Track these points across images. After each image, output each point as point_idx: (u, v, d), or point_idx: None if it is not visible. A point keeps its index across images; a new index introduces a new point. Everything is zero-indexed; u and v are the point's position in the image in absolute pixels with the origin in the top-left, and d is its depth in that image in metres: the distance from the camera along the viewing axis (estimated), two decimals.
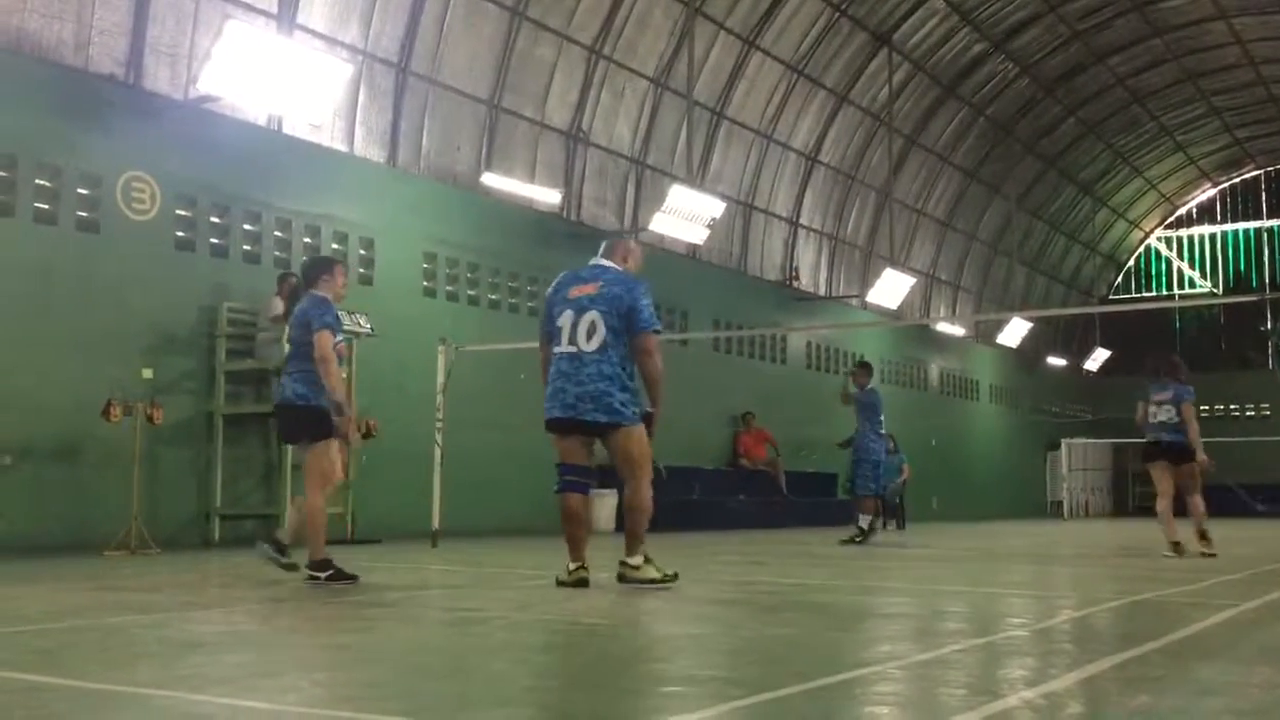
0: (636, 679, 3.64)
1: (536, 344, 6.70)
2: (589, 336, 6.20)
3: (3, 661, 3.78)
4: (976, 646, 4.28)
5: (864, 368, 13.31)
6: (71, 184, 10.50)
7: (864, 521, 12.47)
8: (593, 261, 6.55)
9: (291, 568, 6.69)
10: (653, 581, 6.26)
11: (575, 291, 6.34)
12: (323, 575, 6.49)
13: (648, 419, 6.36)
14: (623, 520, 6.60)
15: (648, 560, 6.33)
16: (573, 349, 6.23)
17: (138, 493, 9.62)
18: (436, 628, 4.95)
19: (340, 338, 6.82)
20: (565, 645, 4.47)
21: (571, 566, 6.33)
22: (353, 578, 6.53)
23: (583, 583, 6.26)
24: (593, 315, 6.22)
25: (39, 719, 2.88)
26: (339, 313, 6.93)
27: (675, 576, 6.36)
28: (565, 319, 6.28)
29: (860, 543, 12.12)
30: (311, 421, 6.62)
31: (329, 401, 6.58)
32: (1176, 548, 9.97)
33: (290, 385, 6.67)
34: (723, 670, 3.81)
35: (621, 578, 6.32)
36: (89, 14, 10.99)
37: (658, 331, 6.34)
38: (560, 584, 6.33)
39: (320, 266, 7.11)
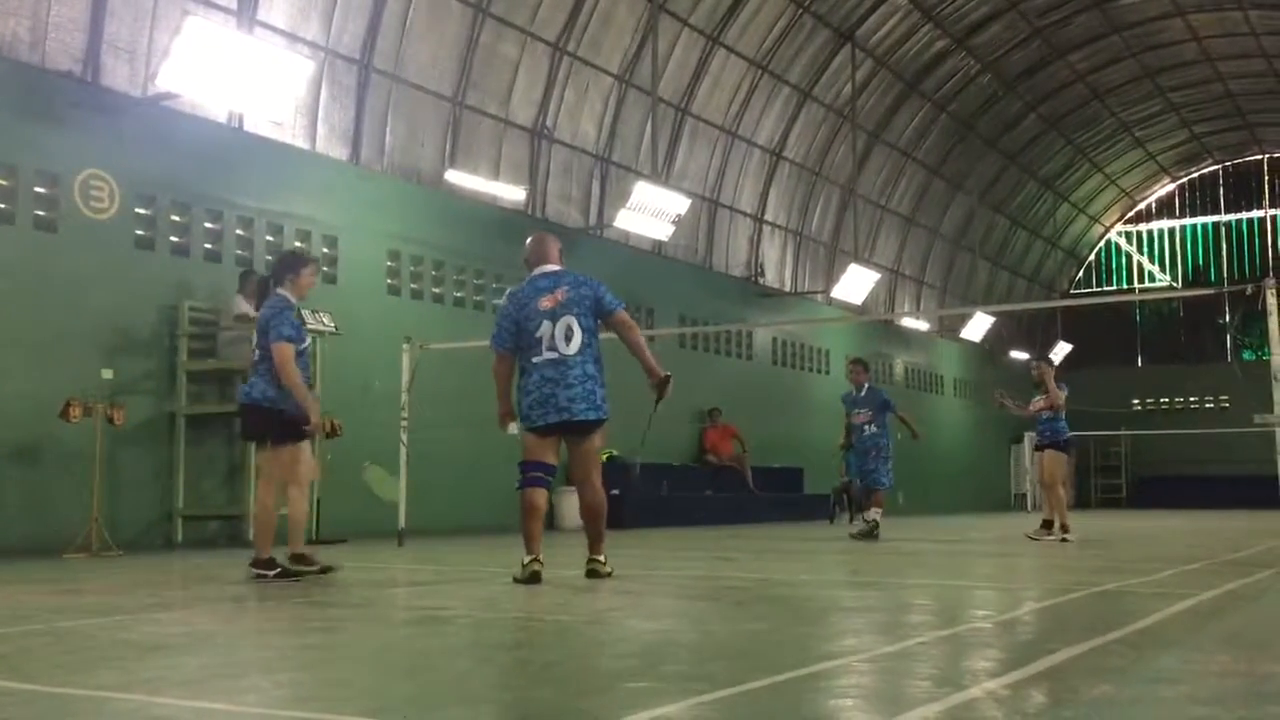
0: (602, 675, 3.64)
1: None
2: (567, 340, 6.54)
3: None
4: (941, 638, 4.31)
5: (863, 365, 13.15)
6: (28, 182, 10.36)
7: (876, 514, 12.39)
8: (539, 270, 6.80)
9: (327, 569, 6.79)
10: (609, 575, 6.66)
11: (545, 303, 6.62)
12: (270, 574, 6.64)
13: (663, 382, 6.76)
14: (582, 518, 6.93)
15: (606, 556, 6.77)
16: (554, 354, 6.55)
17: (98, 494, 9.52)
18: (401, 627, 4.92)
19: (306, 343, 6.88)
20: (531, 643, 4.46)
21: (526, 559, 6.46)
22: (296, 575, 6.69)
23: (536, 576, 6.40)
24: (568, 319, 6.56)
25: None
26: (302, 311, 6.96)
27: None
28: (544, 330, 6.58)
29: (876, 536, 12.06)
30: (277, 424, 6.70)
31: (298, 409, 6.66)
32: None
33: (260, 387, 6.75)
34: (689, 665, 3.81)
35: (594, 573, 6.63)
36: (45, 9, 10.84)
37: (625, 307, 6.81)
38: (516, 581, 6.42)
39: (286, 265, 7.11)
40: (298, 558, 6.77)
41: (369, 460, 11.69)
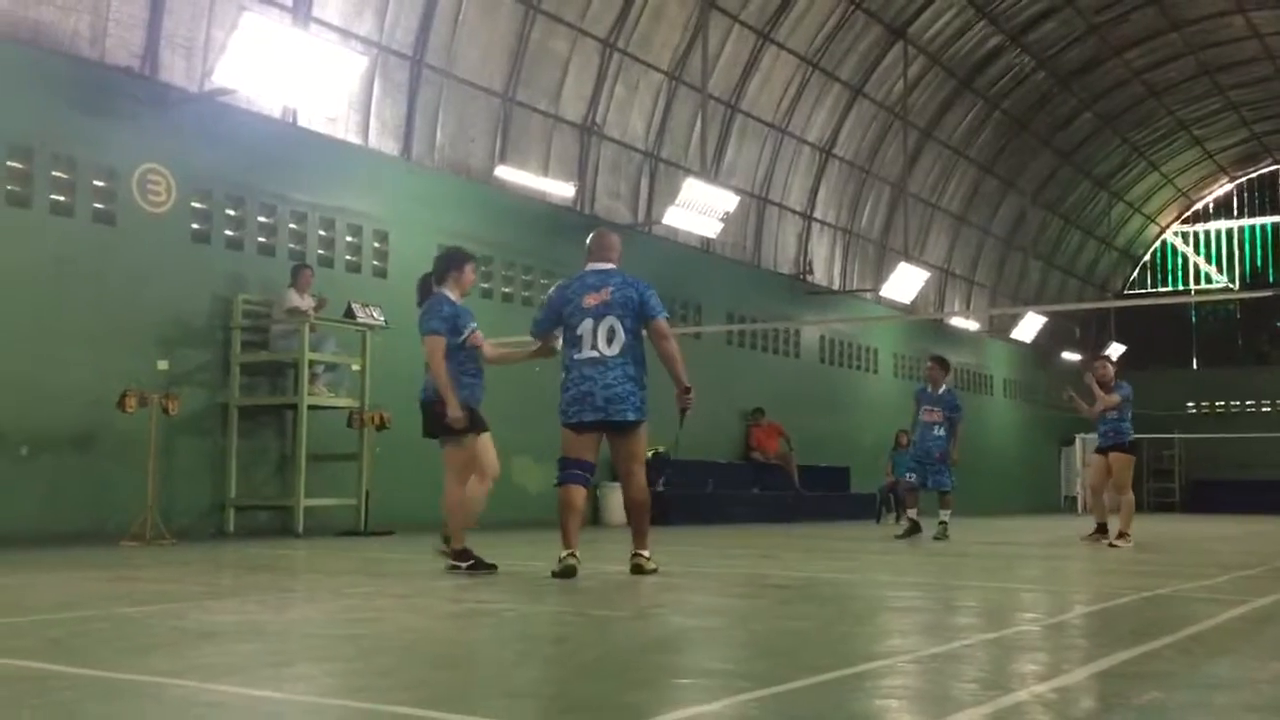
0: (646, 671, 3.65)
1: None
2: (609, 341, 6.57)
3: (16, 650, 3.81)
4: (988, 641, 4.28)
5: (944, 364, 12.95)
6: (87, 176, 10.55)
7: (945, 515, 12.23)
8: (591, 266, 6.81)
9: (487, 568, 6.78)
10: (654, 571, 6.67)
11: (590, 300, 6.64)
12: (464, 565, 6.71)
13: (686, 392, 6.67)
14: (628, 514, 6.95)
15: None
16: (595, 354, 6.57)
17: (153, 483, 9.67)
18: (447, 619, 4.96)
19: (471, 328, 6.83)
20: (575, 637, 4.48)
21: (563, 554, 6.47)
22: (491, 567, 6.74)
23: (571, 570, 6.40)
24: (611, 320, 6.59)
25: (50, 706, 2.90)
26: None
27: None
28: (585, 327, 6.60)
29: (946, 537, 11.90)
30: (442, 418, 6.72)
31: (448, 398, 6.63)
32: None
33: (429, 383, 6.82)
34: (733, 663, 3.81)
35: (638, 569, 6.63)
36: (105, 6, 11.03)
37: (667, 318, 6.79)
38: (554, 575, 6.43)
39: (450, 262, 7.06)
40: (459, 553, 6.74)
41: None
